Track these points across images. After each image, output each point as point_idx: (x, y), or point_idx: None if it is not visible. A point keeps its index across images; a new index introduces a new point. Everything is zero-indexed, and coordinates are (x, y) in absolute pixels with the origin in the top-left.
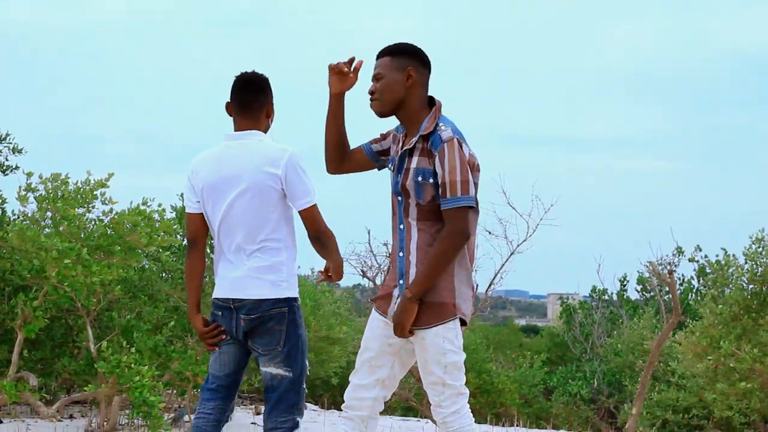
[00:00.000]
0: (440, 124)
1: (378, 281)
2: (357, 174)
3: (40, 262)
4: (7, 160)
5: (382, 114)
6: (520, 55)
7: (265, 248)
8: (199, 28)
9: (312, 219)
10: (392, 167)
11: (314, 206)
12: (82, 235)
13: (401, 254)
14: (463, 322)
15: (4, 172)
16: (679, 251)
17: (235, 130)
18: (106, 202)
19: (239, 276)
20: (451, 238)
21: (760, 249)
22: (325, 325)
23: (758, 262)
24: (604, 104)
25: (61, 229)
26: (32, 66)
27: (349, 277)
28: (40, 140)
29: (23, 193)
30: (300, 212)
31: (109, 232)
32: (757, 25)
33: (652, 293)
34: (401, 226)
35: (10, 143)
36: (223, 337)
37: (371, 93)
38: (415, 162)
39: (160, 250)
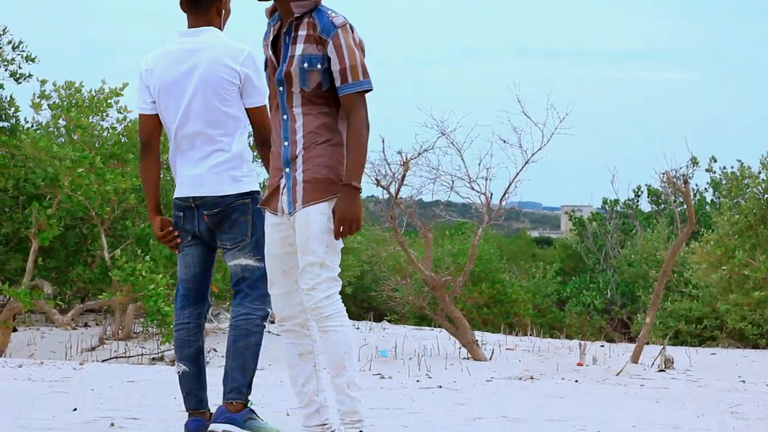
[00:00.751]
0: (329, 12)
1: (392, 189)
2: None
3: (54, 171)
4: (20, 68)
5: None
6: None
7: (224, 143)
8: None
9: (262, 120)
10: (271, 60)
11: (265, 107)
12: (96, 144)
13: (286, 144)
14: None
15: (17, 80)
16: (694, 162)
17: (189, 27)
18: (121, 111)
19: (199, 173)
20: (362, 122)
21: None
22: None
23: None
24: (620, 15)
25: (74, 137)
26: None
27: (364, 187)
28: (53, 50)
29: (37, 100)
30: (250, 110)
31: (122, 140)
32: None
33: (665, 204)
34: (284, 117)
35: (24, 51)
36: (179, 240)
37: None
38: (300, 49)
39: None
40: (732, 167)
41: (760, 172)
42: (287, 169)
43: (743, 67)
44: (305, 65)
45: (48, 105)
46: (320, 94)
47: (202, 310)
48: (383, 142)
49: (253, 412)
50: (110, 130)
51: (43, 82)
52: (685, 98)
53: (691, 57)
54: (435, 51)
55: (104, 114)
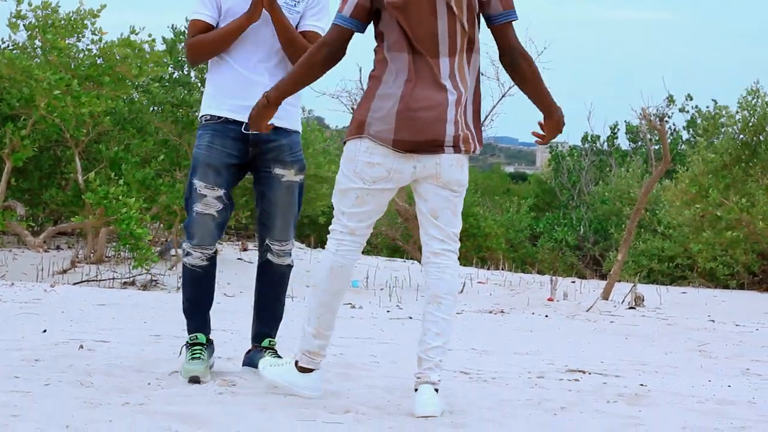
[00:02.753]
0: None
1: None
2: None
3: (29, 91)
4: None
5: None
6: None
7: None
8: None
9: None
10: None
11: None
12: (72, 66)
13: None
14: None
15: None
16: (670, 100)
17: None
18: (96, 32)
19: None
20: (315, 47)
21: (755, 100)
22: (314, 163)
23: (752, 113)
24: None
25: (50, 59)
26: None
27: (340, 116)
28: None
29: (13, 20)
30: None
31: (98, 62)
32: None
33: (641, 142)
34: None
35: None
36: None
37: None
38: None
39: (150, 81)
40: (707, 107)
41: (737, 112)
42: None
43: (720, 6)
44: None
45: (24, 25)
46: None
47: None
48: (360, 71)
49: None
50: (86, 52)
51: (19, 2)
52: (662, 37)
53: None
54: None
55: (80, 35)
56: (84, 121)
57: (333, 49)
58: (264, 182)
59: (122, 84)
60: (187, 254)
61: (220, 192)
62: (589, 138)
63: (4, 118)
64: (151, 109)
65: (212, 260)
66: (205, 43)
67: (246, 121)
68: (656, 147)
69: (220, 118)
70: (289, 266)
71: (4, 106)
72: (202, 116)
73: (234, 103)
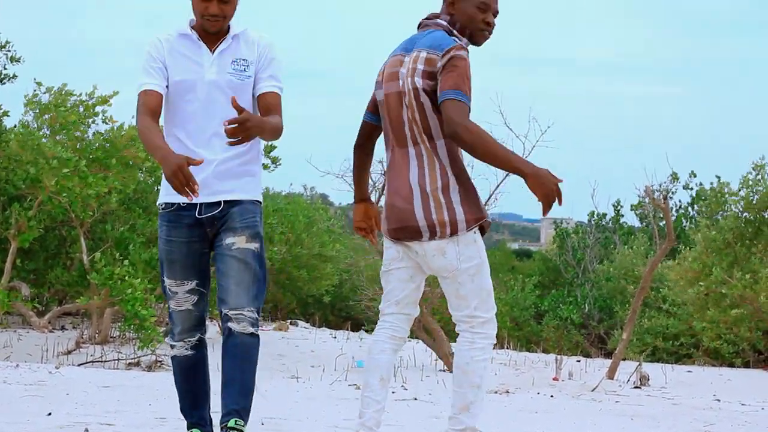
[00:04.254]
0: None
1: (373, 198)
2: (350, 93)
3: (36, 171)
4: (5, 68)
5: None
6: None
7: None
8: None
9: None
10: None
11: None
12: (78, 146)
13: None
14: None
15: (1, 80)
16: (674, 177)
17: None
18: (107, 121)
19: None
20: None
21: (759, 176)
22: (319, 242)
23: (755, 190)
24: (602, 27)
25: (58, 138)
26: None
27: (344, 195)
28: (42, 46)
29: (30, 99)
30: None
31: (106, 145)
32: None
33: (646, 221)
34: None
35: (9, 51)
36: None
37: (492, 26)
38: None
39: (158, 165)
40: (711, 183)
41: (740, 189)
42: None
43: (726, 82)
44: None
45: (38, 107)
46: None
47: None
48: None
49: None
50: (95, 135)
51: (39, 85)
52: (667, 112)
53: (674, 71)
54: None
55: (91, 121)
56: (90, 202)
57: (360, 142)
58: (218, 257)
59: (130, 169)
60: (172, 347)
61: (191, 284)
62: (593, 215)
63: (10, 199)
64: (156, 188)
65: (198, 347)
66: (143, 140)
67: (200, 202)
68: (661, 224)
69: (173, 205)
70: (253, 335)
71: (10, 187)
72: (159, 204)
73: None
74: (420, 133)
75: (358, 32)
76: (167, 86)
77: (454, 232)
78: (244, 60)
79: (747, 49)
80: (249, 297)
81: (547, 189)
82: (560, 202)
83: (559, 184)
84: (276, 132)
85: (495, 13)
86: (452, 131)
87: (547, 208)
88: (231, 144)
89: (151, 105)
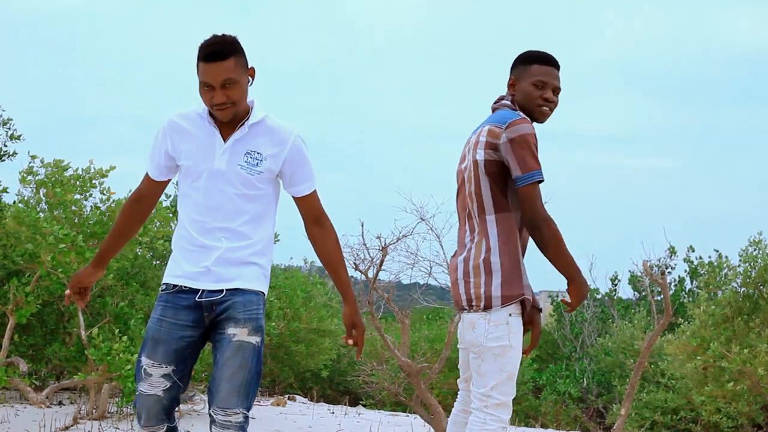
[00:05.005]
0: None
1: (370, 274)
2: (352, 166)
3: (34, 247)
4: (5, 146)
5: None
6: (510, 47)
7: None
8: (202, 11)
9: None
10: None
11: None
12: (76, 220)
13: None
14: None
15: (0, 158)
16: (672, 251)
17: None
18: (104, 192)
19: None
20: None
21: (756, 252)
22: (317, 316)
23: (753, 265)
24: (597, 99)
25: (56, 213)
26: (31, 46)
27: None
28: (38, 120)
29: (25, 175)
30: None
31: (104, 219)
32: (756, 24)
33: (644, 293)
34: None
35: (10, 129)
36: None
37: (551, 102)
38: None
39: (156, 239)
40: (710, 257)
41: (738, 265)
42: None
43: (724, 155)
44: None
45: (34, 181)
46: None
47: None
48: (362, 226)
49: None
50: (93, 209)
51: (33, 158)
52: (665, 185)
53: (672, 143)
54: (415, 131)
55: (88, 194)
56: None
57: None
58: (216, 345)
59: (128, 243)
60: None
61: (168, 369)
62: (592, 290)
63: (8, 274)
64: (155, 263)
65: None
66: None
67: (201, 288)
68: (659, 298)
69: (175, 286)
70: None
71: (8, 262)
72: (161, 285)
73: (187, 269)
74: (475, 208)
75: (363, 106)
76: (178, 165)
77: (487, 306)
78: (258, 153)
79: (746, 122)
80: (240, 397)
81: (582, 297)
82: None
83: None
84: (340, 252)
85: (555, 90)
86: (532, 223)
87: (574, 309)
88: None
89: (141, 190)
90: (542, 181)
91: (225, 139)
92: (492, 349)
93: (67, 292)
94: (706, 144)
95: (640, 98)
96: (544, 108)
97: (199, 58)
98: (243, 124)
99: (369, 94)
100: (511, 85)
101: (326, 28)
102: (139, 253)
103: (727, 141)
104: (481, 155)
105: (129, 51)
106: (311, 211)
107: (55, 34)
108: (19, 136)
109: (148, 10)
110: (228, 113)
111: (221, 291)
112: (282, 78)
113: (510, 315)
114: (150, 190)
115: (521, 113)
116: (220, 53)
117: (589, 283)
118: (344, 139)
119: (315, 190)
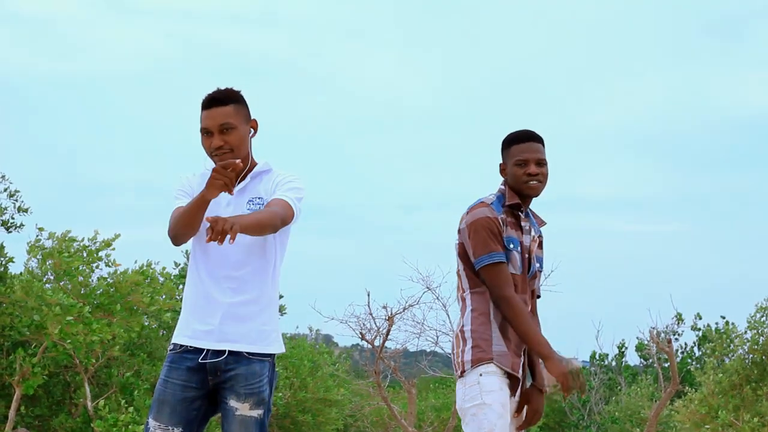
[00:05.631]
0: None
1: (377, 343)
2: (360, 234)
3: (40, 318)
4: (12, 218)
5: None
6: (515, 113)
7: None
8: (206, 78)
9: None
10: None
11: None
12: (82, 291)
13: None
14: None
15: (8, 229)
16: (679, 318)
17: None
18: (110, 264)
19: None
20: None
21: (764, 318)
22: (323, 386)
23: (760, 332)
24: (602, 164)
25: (61, 284)
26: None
27: (350, 338)
28: (45, 189)
29: (33, 245)
30: None
31: (111, 290)
32: (760, 88)
33: (651, 360)
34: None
35: (18, 201)
36: None
37: (536, 175)
38: (537, 251)
39: (162, 310)
40: (717, 323)
41: (746, 332)
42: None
43: (730, 218)
44: (540, 267)
45: (42, 253)
46: None
47: None
48: (369, 296)
49: None
50: (99, 280)
51: (41, 230)
52: (672, 249)
53: (678, 207)
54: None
55: (95, 266)
56: (94, 348)
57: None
58: (222, 414)
59: (134, 314)
60: None
61: (176, 431)
62: (597, 357)
63: (14, 344)
64: (161, 333)
65: None
66: (176, 218)
67: (205, 348)
68: (665, 365)
69: (181, 346)
70: None
71: (14, 332)
72: (169, 346)
73: (193, 328)
74: (458, 284)
75: (369, 174)
76: None
77: (463, 371)
78: (259, 198)
79: (752, 186)
80: None
81: (563, 375)
82: (582, 391)
83: (580, 371)
84: (261, 224)
85: (538, 162)
86: (495, 300)
87: (565, 390)
88: (210, 240)
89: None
90: (500, 262)
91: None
92: (469, 410)
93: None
94: (712, 208)
95: (645, 163)
96: (531, 183)
97: (201, 109)
98: (248, 174)
99: (374, 162)
100: (502, 171)
101: (329, 98)
102: (146, 324)
103: (733, 205)
104: (455, 239)
105: (133, 118)
106: (268, 204)
107: (59, 103)
108: (27, 209)
109: (151, 78)
110: (227, 159)
111: (225, 352)
112: (286, 145)
113: (481, 375)
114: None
115: (490, 198)
116: (220, 100)
117: (576, 359)
118: (350, 207)
119: (285, 201)
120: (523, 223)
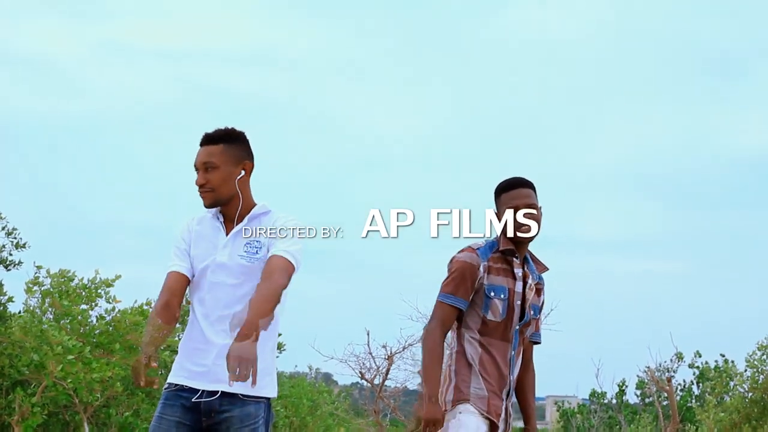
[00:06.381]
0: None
1: (376, 382)
2: (359, 272)
3: (40, 357)
4: (10, 255)
5: None
6: (511, 152)
7: None
8: (206, 119)
9: None
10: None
11: None
12: (82, 330)
13: (512, 377)
14: None
15: (6, 266)
16: (679, 357)
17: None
18: (110, 300)
19: None
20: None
21: (764, 356)
22: (323, 425)
23: (760, 370)
24: (603, 203)
25: (61, 323)
26: (36, 153)
27: (349, 377)
28: (45, 227)
29: (30, 286)
30: None
31: (110, 329)
32: (760, 127)
33: (650, 398)
34: (513, 352)
35: (15, 238)
36: None
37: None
38: (534, 299)
39: (161, 349)
40: (716, 361)
41: (745, 370)
42: (506, 398)
43: (729, 257)
44: (536, 314)
45: (40, 291)
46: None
47: None
48: (368, 335)
49: None
50: (98, 319)
51: (39, 268)
52: (671, 288)
53: (677, 246)
54: (418, 237)
55: (94, 304)
56: (94, 387)
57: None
58: None
59: (133, 353)
60: None
61: None
62: (597, 395)
63: (13, 384)
64: (160, 372)
65: None
66: (151, 317)
67: (200, 388)
68: (665, 403)
69: (176, 385)
70: None
71: (14, 372)
72: (164, 385)
73: (187, 368)
74: None
75: (366, 209)
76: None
77: (445, 410)
78: (257, 241)
79: (751, 225)
80: None
81: (428, 416)
82: None
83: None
84: (272, 308)
85: (528, 207)
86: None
87: (423, 428)
88: (235, 380)
89: (170, 285)
90: (450, 305)
91: (227, 233)
92: None
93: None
94: (712, 247)
95: (645, 202)
96: (523, 228)
97: None
98: (246, 217)
99: (374, 201)
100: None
101: (328, 137)
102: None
103: (733, 244)
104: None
105: (134, 158)
106: (268, 267)
107: (60, 142)
108: (24, 244)
109: (152, 118)
110: (208, 198)
111: (218, 392)
112: (286, 184)
113: (460, 413)
114: (181, 285)
115: (479, 243)
116: (211, 138)
117: (437, 414)
118: (349, 246)
119: (286, 259)
120: (516, 270)
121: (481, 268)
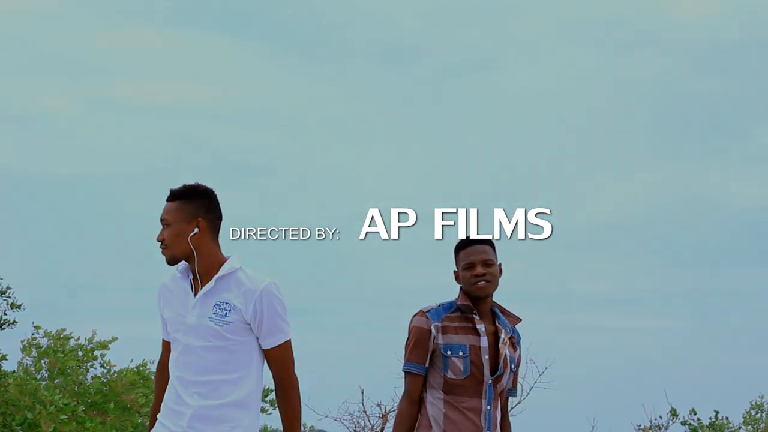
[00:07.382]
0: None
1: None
2: (353, 329)
3: (33, 416)
4: (5, 314)
5: None
6: (505, 201)
7: None
8: (199, 175)
9: None
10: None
11: None
12: (76, 389)
13: None
14: None
15: (0, 326)
16: (674, 414)
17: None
18: (105, 365)
19: None
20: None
21: (759, 414)
22: None
23: (756, 428)
24: (597, 260)
25: (56, 382)
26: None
27: None
28: (40, 286)
29: (27, 345)
30: None
31: (104, 389)
32: (757, 183)
33: None
34: (488, 407)
35: (10, 297)
36: None
37: (482, 275)
38: (510, 351)
39: None
40: (710, 418)
41: (740, 427)
42: None
43: (725, 315)
44: (514, 368)
45: (36, 351)
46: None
47: None
48: (362, 393)
49: None
50: (93, 379)
51: (37, 328)
52: (666, 345)
53: (675, 304)
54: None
55: (89, 365)
56: None
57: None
58: None
59: (128, 413)
60: None
61: None
62: None
63: None
64: None
65: None
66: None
67: None
68: None
69: None
70: None
71: (7, 430)
72: None
73: (167, 426)
74: None
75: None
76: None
77: None
78: (227, 304)
79: (747, 282)
80: None
81: None
82: None
83: None
84: (299, 413)
85: (484, 263)
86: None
87: None
88: None
89: (163, 357)
90: (412, 373)
91: (195, 294)
92: None
93: None
94: (708, 304)
95: (640, 258)
96: (479, 283)
97: None
98: (214, 277)
99: (367, 258)
100: (456, 278)
101: (323, 195)
102: (140, 422)
103: (730, 301)
104: None
105: (129, 215)
106: (275, 369)
107: (54, 199)
108: (20, 305)
109: (145, 176)
110: (165, 255)
111: None
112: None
113: None
114: (167, 354)
115: (431, 306)
116: (170, 195)
117: None
118: (343, 304)
119: (284, 344)
120: (478, 326)
121: (433, 329)
